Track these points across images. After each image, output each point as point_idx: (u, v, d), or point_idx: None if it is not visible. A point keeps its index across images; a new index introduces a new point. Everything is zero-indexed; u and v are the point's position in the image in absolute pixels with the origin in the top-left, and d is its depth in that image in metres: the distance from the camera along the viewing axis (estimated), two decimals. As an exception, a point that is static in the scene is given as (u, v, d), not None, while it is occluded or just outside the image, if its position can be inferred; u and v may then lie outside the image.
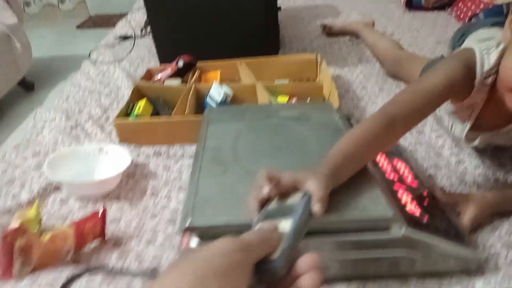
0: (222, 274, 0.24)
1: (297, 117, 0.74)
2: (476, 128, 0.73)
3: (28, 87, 2.05)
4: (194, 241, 0.47)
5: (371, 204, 0.50)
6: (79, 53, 1.58)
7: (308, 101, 0.95)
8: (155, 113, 0.99)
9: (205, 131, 0.71)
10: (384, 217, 0.48)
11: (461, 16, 1.51)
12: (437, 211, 0.57)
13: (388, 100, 0.61)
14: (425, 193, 0.62)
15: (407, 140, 0.88)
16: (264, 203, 0.40)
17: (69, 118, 1.02)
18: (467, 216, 0.60)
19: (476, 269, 0.53)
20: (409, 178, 0.64)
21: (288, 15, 1.69)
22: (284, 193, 0.34)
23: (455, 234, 0.54)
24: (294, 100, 0.98)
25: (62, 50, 2.57)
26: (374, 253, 0.49)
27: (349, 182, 0.54)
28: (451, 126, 0.81)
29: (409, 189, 0.60)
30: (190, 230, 0.48)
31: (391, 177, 0.62)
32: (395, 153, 0.72)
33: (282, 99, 0.99)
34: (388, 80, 1.14)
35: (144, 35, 1.57)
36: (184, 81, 1.12)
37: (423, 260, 0.50)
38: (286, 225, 0.32)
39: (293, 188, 0.44)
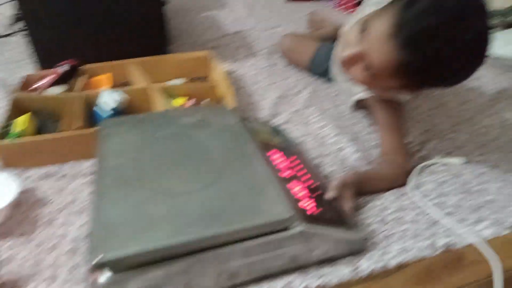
0: None
1: (197, 124, 0.76)
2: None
3: None
4: (105, 276, 0.46)
5: (271, 207, 0.56)
6: None
7: (205, 102, 0.97)
8: (41, 127, 0.92)
9: (102, 148, 0.69)
10: (284, 218, 0.54)
11: (346, 5, 1.65)
12: (326, 201, 0.66)
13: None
14: (315, 185, 0.70)
15: (297, 133, 0.97)
16: None
17: None
18: (345, 200, 0.69)
19: (360, 248, 0.63)
20: (302, 173, 0.71)
21: (175, 6, 1.66)
22: None
23: (342, 220, 0.63)
24: (190, 102, 0.99)
25: None
26: (277, 251, 0.55)
27: (250, 184, 0.60)
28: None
29: (302, 183, 0.67)
30: (100, 266, 0.47)
31: (286, 174, 0.68)
32: (289, 149, 0.80)
33: (178, 101, 1.00)
34: (276, 73, 1.22)
35: (12, 34, 1.41)
36: (70, 88, 1.05)
37: (319, 250, 0.58)
38: None
39: None
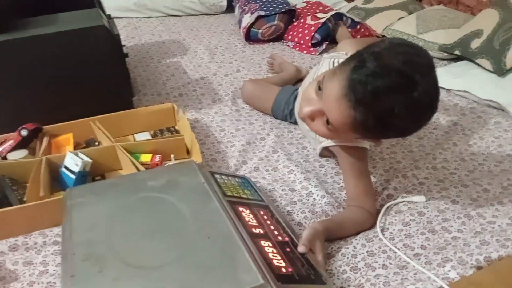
0: None
1: (165, 186, 0.76)
2: None
3: None
4: None
5: (245, 274, 0.56)
6: None
7: (172, 158, 0.98)
8: (2, 195, 0.89)
9: (69, 221, 0.67)
10: (258, 285, 0.55)
11: (303, 46, 1.71)
12: (297, 256, 0.67)
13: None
14: (285, 240, 0.71)
15: (266, 180, 0.99)
16: None
17: None
18: (317, 251, 0.71)
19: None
20: (271, 228, 0.72)
21: (136, 55, 1.68)
22: None
23: (314, 275, 0.64)
24: (158, 158, 0.99)
25: None
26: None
27: (222, 250, 0.60)
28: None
29: (273, 240, 0.68)
30: None
31: (257, 232, 0.69)
32: (258, 203, 0.81)
33: (145, 158, 0.99)
34: (240, 119, 1.24)
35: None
36: (31, 150, 1.03)
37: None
38: None
39: None
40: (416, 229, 0.80)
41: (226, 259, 0.59)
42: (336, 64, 0.98)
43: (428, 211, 0.85)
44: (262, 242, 0.66)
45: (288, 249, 0.68)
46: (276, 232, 0.72)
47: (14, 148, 1.00)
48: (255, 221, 0.72)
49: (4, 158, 0.99)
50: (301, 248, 0.68)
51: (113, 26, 1.23)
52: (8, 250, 0.77)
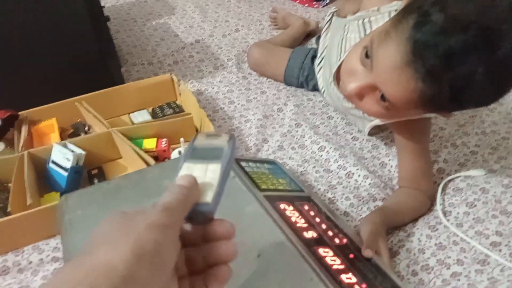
0: (151, 255, 0.26)
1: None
2: None
3: None
4: None
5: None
6: None
7: (181, 142, 0.81)
8: (-21, 204, 0.72)
9: (69, 246, 0.52)
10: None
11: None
12: (364, 263, 0.54)
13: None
14: (344, 241, 0.58)
15: (294, 160, 0.84)
16: None
17: None
18: (382, 252, 0.59)
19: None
20: (323, 228, 0.59)
21: (116, 18, 1.45)
22: (209, 133, 0.36)
23: (386, 281, 0.52)
24: (164, 143, 0.83)
25: None
26: None
27: (277, 272, 0.47)
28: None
29: (331, 245, 0.55)
30: None
31: (310, 235, 0.55)
32: (298, 195, 0.67)
33: (149, 143, 0.83)
34: (250, 88, 1.07)
35: None
36: (9, 141, 0.85)
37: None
38: (214, 168, 0.34)
39: None
40: (484, 211, 0.68)
41: (287, 283, 0.45)
42: (367, 26, 0.81)
43: (491, 186, 0.72)
44: (321, 251, 0.52)
45: (351, 256, 0.55)
46: (330, 233, 0.58)
47: (-14, 142, 0.83)
48: (303, 221, 0.58)
49: (-25, 155, 0.81)
50: (367, 253, 0.55)
51: (89, -17, 1.01)
52: (-3, 274, 0.63)
